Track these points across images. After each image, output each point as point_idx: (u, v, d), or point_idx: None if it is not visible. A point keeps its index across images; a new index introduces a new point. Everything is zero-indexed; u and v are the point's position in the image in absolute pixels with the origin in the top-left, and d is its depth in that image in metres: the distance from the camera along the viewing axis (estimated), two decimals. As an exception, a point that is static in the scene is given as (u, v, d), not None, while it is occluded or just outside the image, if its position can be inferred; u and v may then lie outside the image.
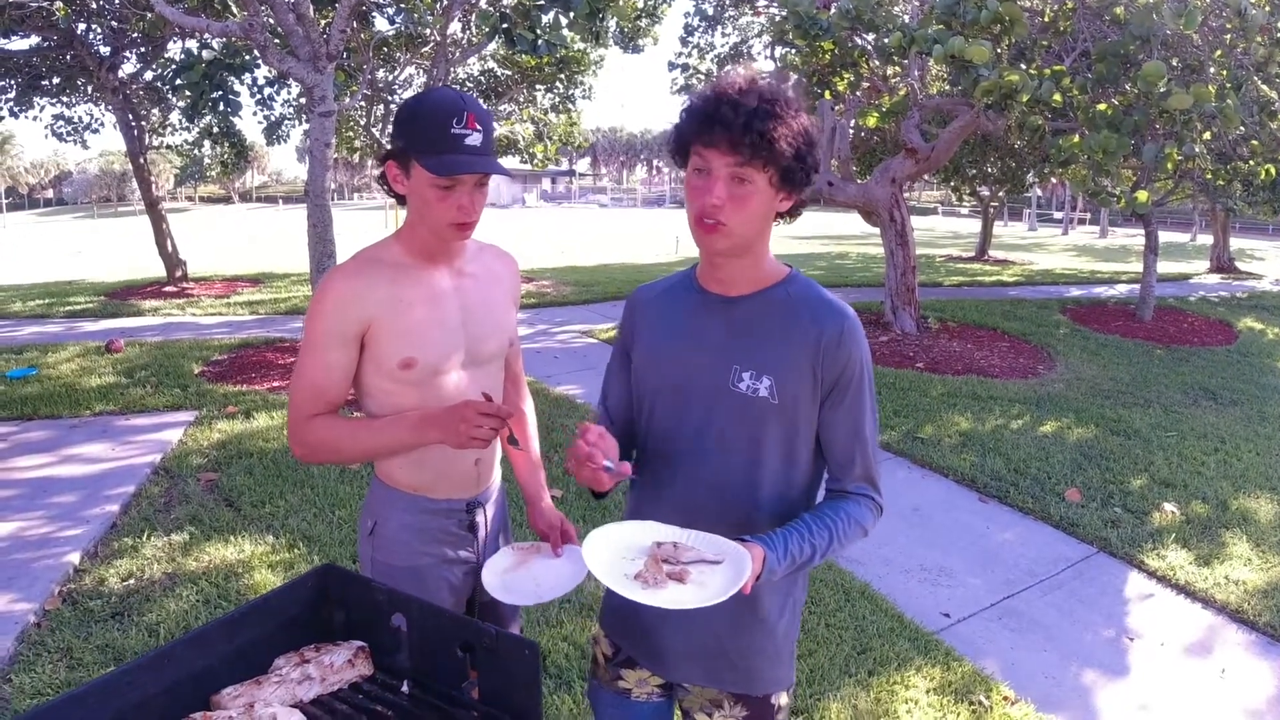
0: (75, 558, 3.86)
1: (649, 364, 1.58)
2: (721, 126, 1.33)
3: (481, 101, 12.74)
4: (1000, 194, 19.16)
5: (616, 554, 1.35)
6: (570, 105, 13.78)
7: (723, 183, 1.36)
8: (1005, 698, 3.06)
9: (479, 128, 1.57)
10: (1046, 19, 7.44)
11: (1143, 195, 6.67)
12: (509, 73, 13.04)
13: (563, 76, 12.93)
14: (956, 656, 3.31)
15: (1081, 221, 43.45)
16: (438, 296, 1.71)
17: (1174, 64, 6.66)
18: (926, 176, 11.90)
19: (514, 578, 1.73)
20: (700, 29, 14.89)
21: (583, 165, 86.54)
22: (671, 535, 1.39)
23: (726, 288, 1.51)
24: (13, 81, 12.03)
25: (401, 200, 1.69)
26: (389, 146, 1.66)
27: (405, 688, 1.37)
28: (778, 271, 1.52)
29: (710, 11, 14.73)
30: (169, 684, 1.24)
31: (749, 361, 1.46)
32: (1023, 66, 6.75)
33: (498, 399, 1.87)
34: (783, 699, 1.62)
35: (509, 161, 15.08)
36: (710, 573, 1.30)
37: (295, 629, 1.42)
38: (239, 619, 1.36)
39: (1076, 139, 6.86)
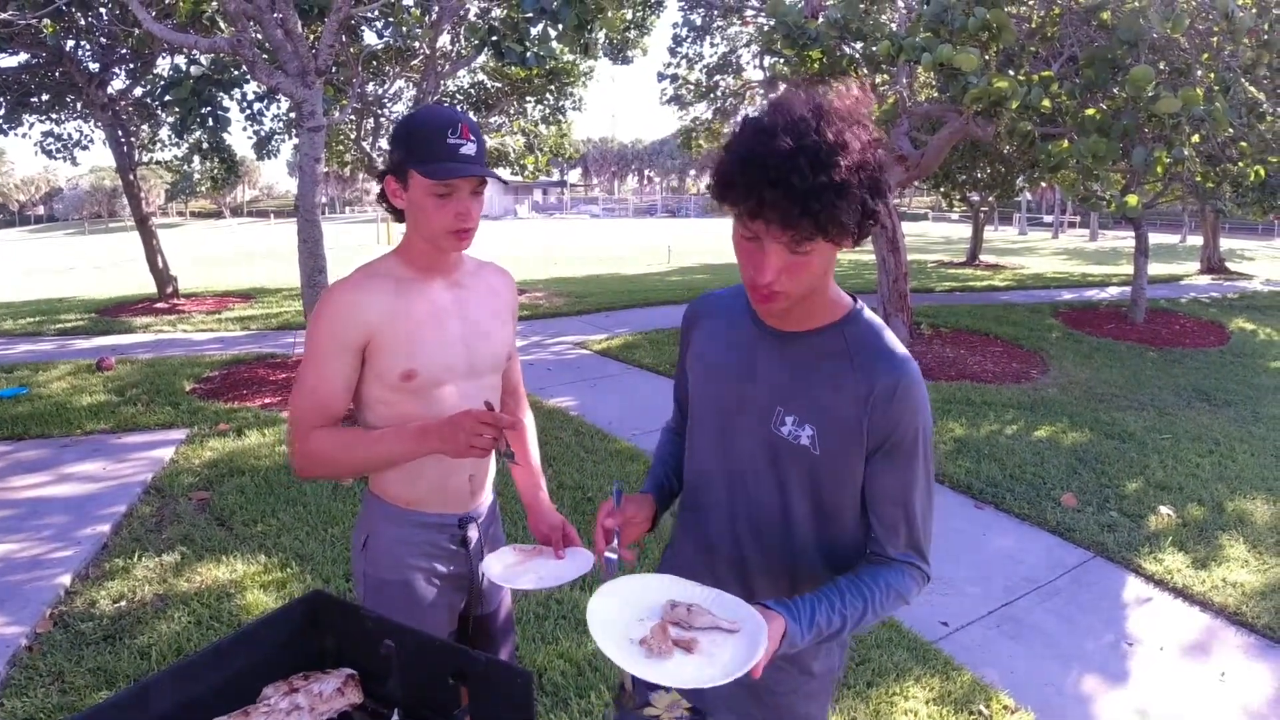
0: (66, 579, 3.83)
1: (696, 389, 1.52)
2: (771, 208, 1.16)
3: (471, 114, 12.76)
4: (990, 199, 19.20)
5: (626, 611, 1.27)
6: (560, 116, 13.82)
7: (776, 256, 1.22)
8: (1005, 707, 3.05)
9: (473, 139, 1.62)
10: (1034, 25, 7.47)
11: (1133, 199, 6.69)
12: (499, 85, 13.06)
13: (552, 88, 12.97)
14: (956, 666, 3.29)
15: (1072, 225, 43.58)
16: (438, 309, 1.74)
17: (1162, 68, 6.68)
18: (917, 183, 11.91)
19: (514, 570, 1.74)
20: (689, 39, 14.94)
21: (574, 176, 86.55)
22: (689, 595, 1.30)
23: (781, 321, 1.40)
24: (1, 99, 12.01)
25: (400, 216, 1.71)
26: (382, 163, 1.69)
27: (396, 717, 1.34)
28: (839, 307, 1.39)
29: (699, 22, 14.77)
30: (155, 718, 1.21)
31: (793, 406, 1.36)
32: (1011, 73, 6.77)
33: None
34: None
35: (500, 173, 15.07)
36: (723, 643, 1.20)
37: (284, 657, 1.40)
38: (226, 648, 1.34)
39: (1066, 144, 6.87)
